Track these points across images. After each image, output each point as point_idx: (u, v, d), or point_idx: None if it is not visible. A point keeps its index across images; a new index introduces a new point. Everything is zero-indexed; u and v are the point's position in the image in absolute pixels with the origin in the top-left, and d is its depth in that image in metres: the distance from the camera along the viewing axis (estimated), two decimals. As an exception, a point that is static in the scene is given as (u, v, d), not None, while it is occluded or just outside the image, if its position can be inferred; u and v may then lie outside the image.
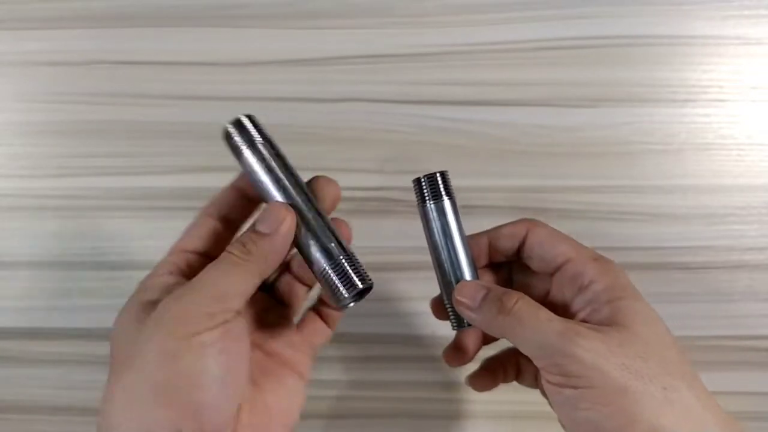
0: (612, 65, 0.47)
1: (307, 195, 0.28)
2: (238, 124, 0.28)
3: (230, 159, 0.46)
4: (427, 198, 0.31)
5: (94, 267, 0.45)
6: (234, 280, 0.25)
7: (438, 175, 0.31)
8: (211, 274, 0.26)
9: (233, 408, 0.25)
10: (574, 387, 0.25)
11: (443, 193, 0.31)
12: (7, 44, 0.48)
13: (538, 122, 0.47)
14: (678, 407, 0.24)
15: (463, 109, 0.47)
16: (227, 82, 0.48)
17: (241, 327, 0.26)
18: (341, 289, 0.27)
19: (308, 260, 0.28)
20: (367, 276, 0.27)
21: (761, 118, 0.47)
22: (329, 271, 0.27)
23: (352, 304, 0.28)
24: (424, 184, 0.31)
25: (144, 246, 0.45)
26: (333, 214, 0.29)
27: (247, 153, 0.28)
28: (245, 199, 0.30)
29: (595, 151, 0.46)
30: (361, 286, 0.27)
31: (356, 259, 0.28)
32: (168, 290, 0.26)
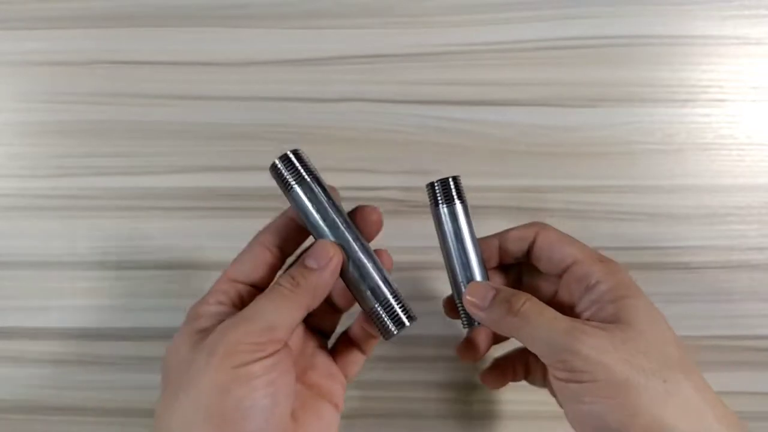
0: (612, 65, 0.47)
1: (352, 229, 0.29)
2: (286, 160, 0.29)
3: (231, 159, 0.46)
4: (440, 201, 0.32)
5: (94, 267, 0.45)
6: (283, 312, 0.27)
7: (450, 179, 0.32)
8: (261, 304, 0.27)
9: None
10: (579, 381, 0.26)
11: (455, 197, 0.32)
12: (7, 44, 0.48)
13: (538, 122, 0.47)
14: (678, 399, 0.25)
15: (463, 109, 0.47)
16: (227, 82, 0.48)
17: (288, 358, 0.27)
18: (389, 325, 0.30)
19: (357, 296, 0.30)
20: (412, 311, 0.30)
21: (761, 118, 0.47)
22: (378, 309, 0.30)
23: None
24: (437, 188, 0.32)
25: (144, 246, 0.45)
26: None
27: (297, 189, 0.29)
28: (299, 230, 0.31)
29: (595, 151, 0.46)
30: (407, 323, 0.30)
31: (401, 295, 0.30)
32: (219, 319, 0.27)
